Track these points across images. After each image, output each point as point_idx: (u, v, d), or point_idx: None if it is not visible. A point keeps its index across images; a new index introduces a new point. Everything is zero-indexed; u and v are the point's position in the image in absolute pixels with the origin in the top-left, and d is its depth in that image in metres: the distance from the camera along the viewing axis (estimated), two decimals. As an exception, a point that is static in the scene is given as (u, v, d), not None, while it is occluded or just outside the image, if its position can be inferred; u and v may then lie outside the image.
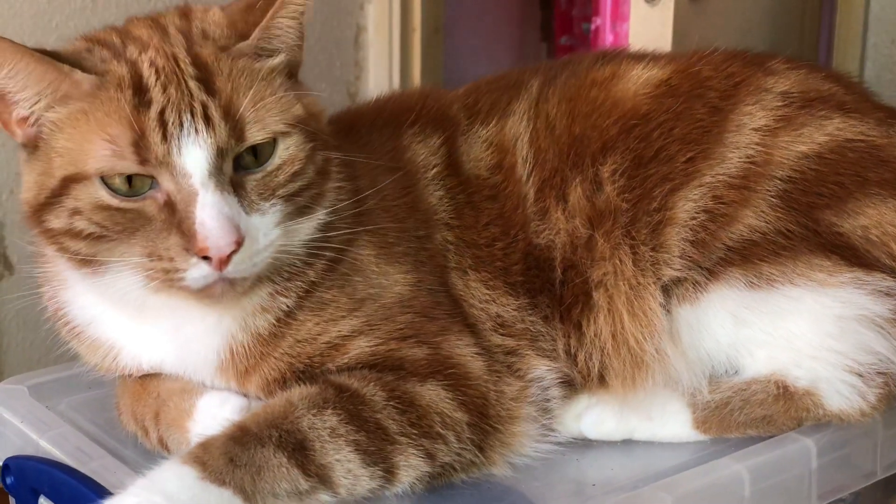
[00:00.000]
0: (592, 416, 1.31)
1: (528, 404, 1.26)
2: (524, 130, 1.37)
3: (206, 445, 1.07)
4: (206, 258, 1.07)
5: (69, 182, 1.10)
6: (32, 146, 1.15)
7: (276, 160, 1.14)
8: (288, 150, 1.15)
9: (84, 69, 1.10)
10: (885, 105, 1.40)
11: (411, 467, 1.14)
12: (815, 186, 1.25)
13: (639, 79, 1.36)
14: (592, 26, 2.34)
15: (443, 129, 1.38)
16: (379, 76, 2.50)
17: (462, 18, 2.62)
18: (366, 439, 1.11)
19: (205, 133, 1.08)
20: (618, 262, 1.28)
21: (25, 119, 1.13)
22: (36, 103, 1.12)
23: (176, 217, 1.08)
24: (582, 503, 1.19)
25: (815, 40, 2.24)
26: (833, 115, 1.29)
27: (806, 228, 1.24)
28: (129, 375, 1.28)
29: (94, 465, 1.23)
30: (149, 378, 1.27)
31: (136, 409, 1.27)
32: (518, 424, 1.24)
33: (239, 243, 1.08)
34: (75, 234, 1.11)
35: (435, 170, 1.35)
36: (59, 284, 1.27)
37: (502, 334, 1.29)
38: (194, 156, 1.08)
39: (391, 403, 1.14)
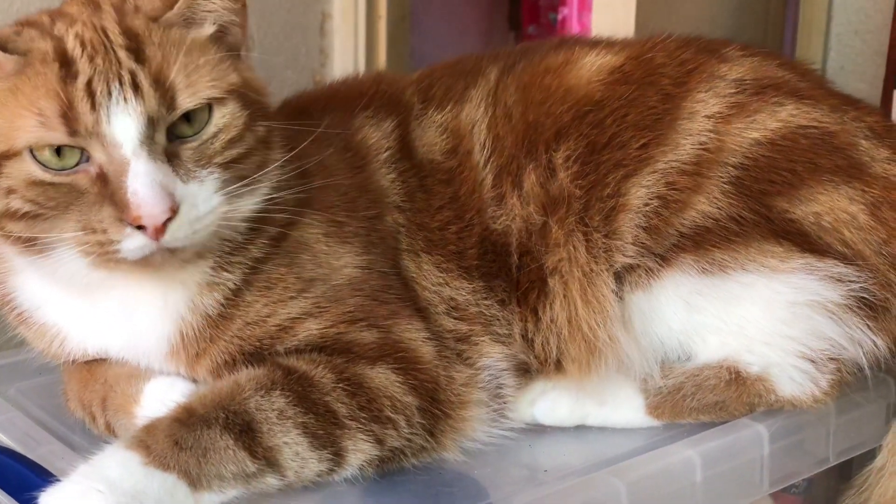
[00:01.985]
0: (546, 402, 1.31)
1: (479, 390, 1.25)
2: (482, 117, 1.36)
3: (150, 429, 1.06)
4: (140, 227, 1.06)
5: (1, 160, 1.09)
6: None
7: (211, 128, 1.12)
8: (224, 118, 1.13)
9: (7, 51, 1.09)
10: (840, 92, 1.40)
11: (360, 451, 1.13)
12: (768, 173, 1.25)
13: (592, 66, 1.36)
14: (559, 16, 2.34)
15: (396, 112, 1.38)
16: (344, 64, 2.48)
17: (429, 6, 2.61)
18: (314, 422, 1.10)
19: (133, 101, 1.07)
20: (571, 248, 1.28)
21: None
22: None
23: (108, 188, 1.07)
24: (534, 489, 1.18)
25: (779, 30, 2.25)
26: (786, 101, 1.29)
27: (758, 215, 1.24)
28: (75, 361, 1.27)
29: (42, 450, 1.22)
30: (95, 363, 1.26)
31: (83, 394, 1.25)
32: (469, 409, 1.23)
33: (174, 210, 1.06)
34: (12, 215, 1.10)
35: (387, 153, 1.35)
36: (6, 271, 1.26)
37: (455, 318, 1.29)
38: (124, 124, 1.07)
39: (340, 386, 1.13)
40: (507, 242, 1.32)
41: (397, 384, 1.17)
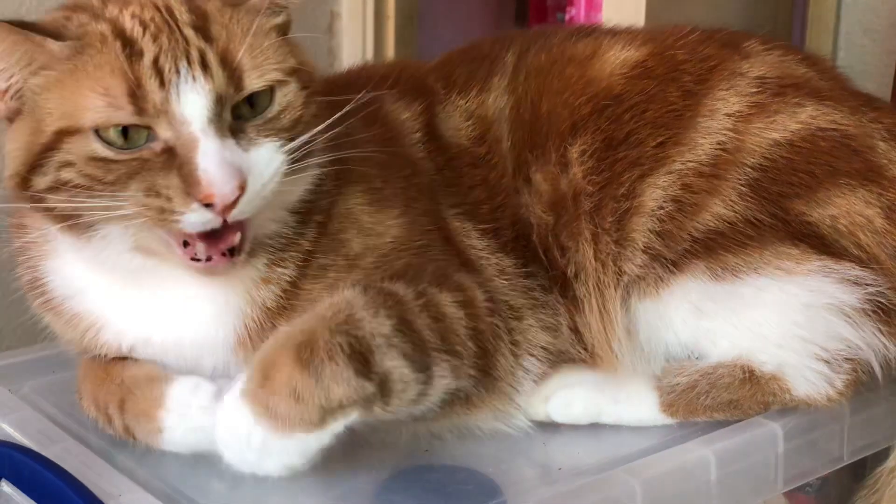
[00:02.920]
0: (560, 400, 1.30)
1: (523, 372, 1.27)
2: (505, 106, 1.36)
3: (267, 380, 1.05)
4: (208, 206, 1.06)
5: (62, 136, 1.07)
6: (14, 118, 1.13)
7: (275, 107, 1.13)
8: (286, 97, 1.14)
9: (60, 37, 1.08)
10: (860, 92, 1.39)
11: (443, 377, 1.13)
12: (786, 175, 1.25)
13: (616, 59, 1.35)
14: (567, 16, 2.34)
15: (421, 96, 1.38)
16: (353, 63, 2.48)
17: (437, 7, 2.60)
18: (411, 347, 1.10)
19: (202, 79, 1.07)
20: (581, 254, 1.28)
21: (5, 91, 1.12)
22: (12, 76, 1.10)
23: (177, 160, 1.06)
24: (548, 487, 1.18)
25: (788, 29, 2.24)
26: (807, 102, 1.29)
27: (775, 217, 1.24)
28: (98, 356, 1.26)
29: (56, 448, 1.21)
30: (111, 363, 1.25)
31: (98, 395, 1.24)
32: (506, 376, 1.25)
33: (242, 188, 1.07)
34: (60, 187, 1.09)
35: (417, 134, 1.35)
36: (39, 255, 1.24)
37: (506, 281, 1.29)
38: (193, 102, 1.06)
39: (424, 306, 1.14)
40: (531, 235, 1.32)
41: (462, 322, 1.17)
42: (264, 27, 1.14)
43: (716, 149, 1.26)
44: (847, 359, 1.27)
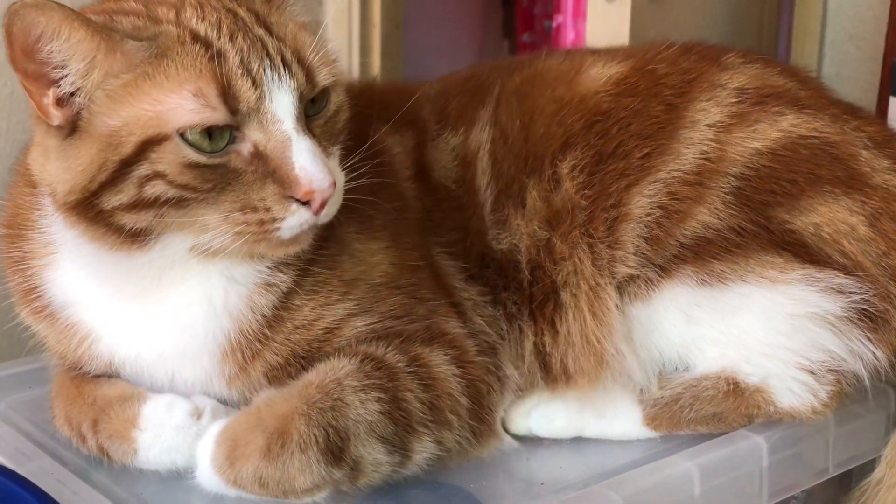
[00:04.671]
0: (542, 414, 1.30)
1: (502, 396, 1.27)
2: (486, 140, 1.36)
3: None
4: (305, 203, 1.06)
5: (147, 146, 1.04)
6: (71, 128, 1.06)
7: (332, 106, 1.14)
8: (339, 97, 1.15)
9: (139, 39, 1.05)
10: (841, 101, 1.39)
11: (425, 451, 1.15)
12: (768, 183, 1.24)
13: (601, 76, 1.35)
14: (554, 23, 2.33)
15: (414, 130, 1.37)
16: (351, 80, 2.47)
17: (423, 14, 2.60)
18: (393, 430, 1.11)
19: (287, 78, 1.07)
20: (577, 261, 1.28)
21: (63, 99, 1.06)
22: (82, 80, 1.05)
23: (269, 166, 1.06)
24: (530, 502, 1.17)
25: (773, 37, 2.25)
26: (787, 110, 1.29)
27: (758, 225, 1.23)
28: (72, 373, 1.25)
29: (31, 466, 1.20)
30: (84, 382, 1.23)
31: (71, 413, 1.22)
32: (498, 413, 1.26)
33: (334, 185, 1.08)
34: (145, 204, 1.05)
35: (407, 171, 1.34)
36: (42, 264, 1.21)
37: (480, 316, 1.29)
38: (283, 101, 1.06)
39: (413, 371, 1.15)
40: (516, 259, 1.31)
41: (456, 379, 1.18)
42: (301, 25, 1.14)
43: (699, 159, 1.26)
44: (831, 370, 1.26)
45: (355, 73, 2.45)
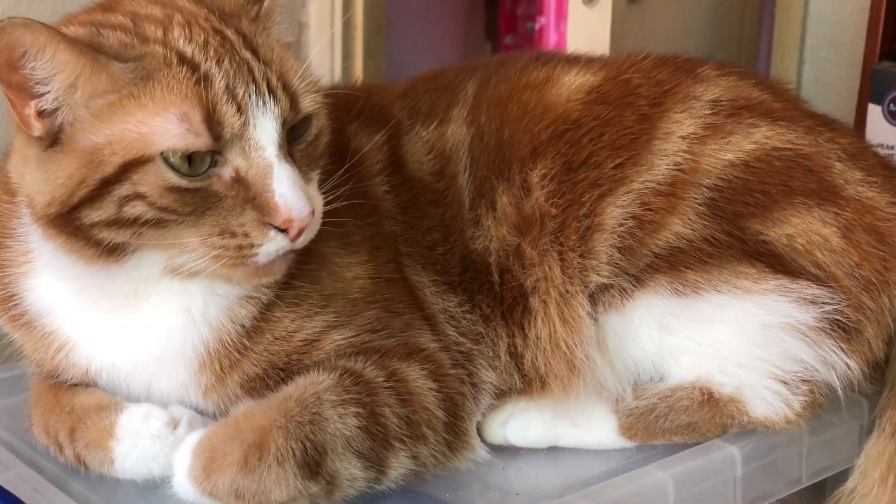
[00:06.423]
0: (518, 423, 1.30)
1: (477, 405, 1.28)
2: (464, 137, 1.36)
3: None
4: (282, 231, 1.07)
5: (129, 168, 1.04)
6: (51, 141, 1.06)
7: (312, 130, 1.14)
8: (320, 120, 1.15)
9: (121, 59, 1.04)
10: (815, 112, 1.40)
11: (401, 466, 1.15)
12: (742, 195, 1.25)
13: (572, 84, 1.35)
14: (537, 26, 2.34)
15: (386, 125, 1.37)
16: (321, 74, 2.47)
17: (406, 16, 2.60)
18: (370, 445, 1.12)
19: (272, 104, 1.07)
20: (547, 268, 1.28)
21: (46, 112, 1.06)
22: (64, 97, 1.05)
23: (249, 192, 1.06)
24: (506, 512, 1.18)
25: (754, 42, 2.25)
26: (761, 122, 1.29)
27: (731, 236, 1.24)
28: (49, 381, 1.25)
29: (9, 475, 1.20)
30: (61, 390, 1.23)
31: (49, 422, 1.22)
32: (473, 424, 1.26)
33: (313, 213, 1.08)
34: (124, 223, 1.06)
35: (379, 165, 1.34)
36: (22, 272, 1.21)
37: (454, 329, 1.30)
38: (267, 127, 1.06)
39: (390, 386, 1.15)
40: (488, 262, 1.32)
41: (432, 392, 1.19)
42: (284, 45, 1.14)
43: (672, 170, 1.26)
44: (804, 380, 1.27)
45: (338, 74, 2.45)
